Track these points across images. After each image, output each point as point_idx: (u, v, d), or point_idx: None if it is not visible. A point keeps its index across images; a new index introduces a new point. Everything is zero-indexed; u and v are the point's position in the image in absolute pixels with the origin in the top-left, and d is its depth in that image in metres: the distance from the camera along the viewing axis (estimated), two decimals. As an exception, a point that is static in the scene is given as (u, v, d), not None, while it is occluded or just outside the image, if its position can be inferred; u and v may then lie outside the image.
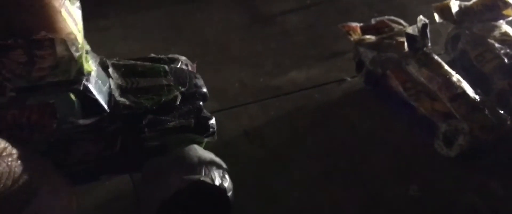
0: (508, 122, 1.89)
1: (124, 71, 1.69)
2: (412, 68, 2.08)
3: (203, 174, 1.57)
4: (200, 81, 1.77)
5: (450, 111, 1.93)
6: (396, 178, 1.88)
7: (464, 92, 1.97)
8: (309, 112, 2.18)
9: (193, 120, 1.66)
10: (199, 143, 1.69)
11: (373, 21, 2.38)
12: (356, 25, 2.33)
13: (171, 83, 1.68)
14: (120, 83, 1.64)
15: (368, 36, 2.30)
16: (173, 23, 2.62)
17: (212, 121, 1.70)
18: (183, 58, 1.86)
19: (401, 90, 2.08)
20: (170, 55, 1.86)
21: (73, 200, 1.49)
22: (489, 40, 2.24)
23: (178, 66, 1.80)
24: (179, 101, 1.65)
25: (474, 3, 2.40)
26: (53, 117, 1.49)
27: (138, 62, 1.77)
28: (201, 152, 1.65)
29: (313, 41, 2.58)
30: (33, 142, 1.49)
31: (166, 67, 1.74)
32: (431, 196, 1.81)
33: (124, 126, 1.59)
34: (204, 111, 1.71)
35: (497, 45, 2.21)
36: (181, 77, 1.73)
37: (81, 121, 1.53)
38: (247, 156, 1.91)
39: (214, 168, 1.61)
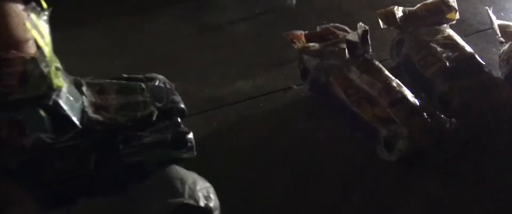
0: (447, 125, 1.90)
1: (99, 89, 1.65)
2: (353, 75, 2.08)
3: (186, 197, 1.51)
4: (177, 98, 1.74)
5: (390, 116, 1.93)
6: (338, 185, 1.86)
7: (403, 97, 1.97)
8: (254, 121, 2.15)
9: (170, 135, 1.62)
10: (178, 160, 1.65)
11: (318, 29, 2.38)
12: (300, 33, 2.32)
13: (148, 99, 1.65)
14: (94, 100, 1.60)
15: (312, 44, 2.30)
16: (118, 36, 2.59)
17: (190, 135, 1.67)
18: (160, 76, 1.83)
19: (343, 96, 2.07)
20: (147, 75, 1.82)
21: None
22: (431, 44, 2.25)
23: (156, 84, 1.76)
24: (155, 116, 1.62)
25: (418, 8, 2.42)
26: (22, 134, 1.43)
27: (114, 81, 1.73)
28: (182, 172, 1.60)
29: (261, 49, 2.57)
30: (2, 160, 1.43)
31: (143, 84, 1.71)
32: (373, 202, 1.80)
33: (98, 143, 1.55)
34: (182, 126, 1.68)
35: (439, 49, 2.23)
36: (158, 93, 1.70)
37: (52, 138, 1.47)
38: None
39: (197, 188, 1.55)
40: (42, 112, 1.45)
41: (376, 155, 1.94)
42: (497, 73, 2.26)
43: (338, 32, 2.35)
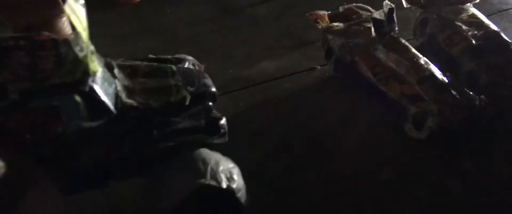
0: (477, 102, 1.89)
1: (130, 72, 1.63)
2: (380, 53, 2.08)
3: (208, 177, 1.50)
4: (208, 81, 1.71)
5: (419, 93, 1.92)
6: (368, 163, 1.86)
7: (432, 74, 1.97)
8: (279, 102, 2.15)
9: (203, 121, 1.60)
10: (209, 146, 1.63)
11: (341, 9, 2.37)
12: (323, 13, 2.32)
13: (179, 83, 1.62)
14: (126, 84, 1.58)
15: (336, 24, 2.29)
16: (140, 19, 2.59)
17: (223, 121, 1.65)
18: (190, 58, 1.82)
19: (370, 75, 2.07)
20: (177, 55, 1.82)
21: (61, 208, 1.43)
22: (456, 22, 2.24)
23: (185, 66, 1.75)
24: (188, 101, 1.59)
25: (441, -13, 2.42)
26: (58, 120, 1.43)
27: (144, 63, 1.71)
28: (205, 154, 1.59)
29: (283, 31, 2.57)
30: (38, 146, 1.43)
31: (173, 67, 1.69)
32: (403, 178, 1.80)
33: (132, 129, 1.53)
34: (214, 111, 1.66)
35: (464, 27, 2.22)
36: (190, 77, 1.68)
37: (87, 124, 1.46)
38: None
39: (220, 169, 1.54)
40: (78, 98, 1.44)
41: (405, 133, 1.94)
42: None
43: (361, 11, 2.34)
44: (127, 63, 1.69)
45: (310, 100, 2.16)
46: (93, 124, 1.48)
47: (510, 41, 2.18)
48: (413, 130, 1.91)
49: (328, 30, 2.28)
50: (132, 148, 1.54)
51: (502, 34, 2.21)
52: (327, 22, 2.31)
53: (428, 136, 1.88)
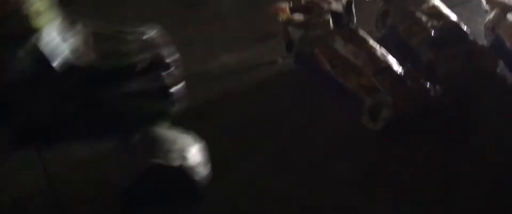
0: (432, 93, 1.90)
1: (86, 35, 1.59)
2: (338, 45, 2.07)
3: (160, 156, 1.49)
4: (168, 50, 1.68)
5: (375, 85, 1.92)
6: (324, 154, 1.85)
7: (388, 66, 1.97)
8: (239, 94, 2.13)
9: (154, 86, 1.59)
10: (164, 114, 1.63)
11: (302, 1, 2.36)
12: (285, 5, 2.30)
13: (135, 50, 1.61)
14: (79, 46, 1.55)
15: (297, 15, 2.28)
16: (99, 13, 2.53)
17: (175, 88, 1.63)
18: (155, 29, 1.75)
19: (328, 67, 2.06)
20: (142, 27, 1.75)
21: None
22: (416, 14, 2.24)
23: (148, 36, 1.70)
24: (139, 67, 1.58)
25: (403, -22, 2.41)
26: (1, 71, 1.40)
27: (103, 28, 1.68)
28: (163, 132, 1.59)
29: (246, 24, 2.53)
30: None
31: (133, 35, 1.66)
32: (357, 169, 1.80)
33: (78, 88, 1.52)
34: (168, 77, 1.64)
35: (424, 18, 2.21)
36: (147, 45, 1.65)
37: (29, 79, 1.43)
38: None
39: (175, 147, 1.53)
40: (21, 52, 1.41)
41: (362, 125, 1.94)
42: (483, 42, 2.26)
43: (322, 3, 2.33)
44: (86, 27, 1.64)
45: (269, 92, 2.15)
46: (37, 79, 1.45)
47: (468, 32, 2.20)
48: (370, 121, 1.91)
49: (289, 22, 2.26)
50: (76, 108, 1.51)
51: (462, 25, 2.22)
52: (288, 14, 2.30)
53: (383, 128, 1.88)
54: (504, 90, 2.13)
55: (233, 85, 2.18)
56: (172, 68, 1.68)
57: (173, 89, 1.64)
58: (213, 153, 1.79)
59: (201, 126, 1.93)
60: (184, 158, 1.53)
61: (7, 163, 1.74)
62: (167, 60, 1.67)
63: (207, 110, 2.04)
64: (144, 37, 1.70)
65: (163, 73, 1.65)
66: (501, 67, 2.13)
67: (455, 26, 2.19)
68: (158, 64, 1.65)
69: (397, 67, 1.95)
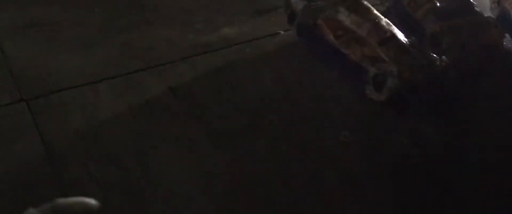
0: (437, 63, 1.86)
1: None
2: (342, 16, 2.02)
3: None
4: None
5: (379, 55, 1.88)
6: (326, 126, 1.83)
7: (393, 36, 1.92)
8: (240, 67, 2.08)
9: None
10: None
11: (305, -27, 2.31)
12: (287, -23, 2.25)
13: None
14: None
15: (299, -13, 2.23)
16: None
17: None
18: None
19: (332, 38, 2.01)
20: None
21: None
22: (421, -15, 2.21)
23: None
24: None
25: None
26: None
27: None
28: None
29: (247, -3, 2.51)
30: None
31: None
32: (362, 141, 1.77)
33: None
34: None
35: (429, -11, 2.19)
36: None
37: None
38: (171, 111, 1.83)
39: None
40: None
41: (365, 96, 1.91)
42: (489, 15, 2.22)
43: (325, -25, 2.29)
44: None
45: (271, 65, 2.09)
46: None
47: (474, 4, 2.16)
48: (374, 92, 1.88)
49: (291, -6, 2.22)
50: None
51: (467, -3, 2.18)
52: (290, -14, 2.25)
53: (388, 98, 1.84)
54: (509, 63, 2.11)
55: (235, 58, 2.13)
56: None
57: None
58: (214, 128, 1.79)
59: (202, 99, 1.93)
60: None
61: (1, 132, 1.69)
62: None
63: (208, 83, 2.00)
64: None
65: None
66: (506, 40, 2.11)
67: (461, -3, 2.16)
68: None
69: (402, 37, 1.91)
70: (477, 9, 2.10)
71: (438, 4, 2.08)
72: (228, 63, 2.11)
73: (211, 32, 2.26)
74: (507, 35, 2.10)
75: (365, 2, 2.04)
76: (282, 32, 2.26)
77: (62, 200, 1.33)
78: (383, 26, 1.94)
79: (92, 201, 1.33)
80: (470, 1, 2.12)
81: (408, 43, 1.89)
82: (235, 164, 1.69)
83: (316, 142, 1.78)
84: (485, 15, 2.13)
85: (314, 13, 2.09)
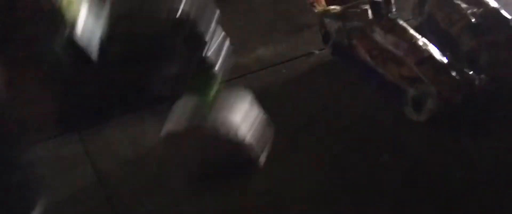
0: (477, 82, 1.86)
1: (116, 14, 1.41)
2: (378, 35, 2.04)
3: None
4: (206, 24, 1.53)
5: (417, 75, 1.89)
6: (366, 147, 1.85)
7: (430, 55, 1.93)
8: (277, 89, 2.13)
9: (196, 67, 1.48)
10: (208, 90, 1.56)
11: (338, -8, 2.33)
12: (320, -4, 2.28)
13: (170, 27, 1.42)
14: (111, 28, 1.38)
15: (333, 7, 2.25)
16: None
17: (219, 62, 1.54)
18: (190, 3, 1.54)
19: (368, 58, 2.04)
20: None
21: None
22: (455, 1, 2.19)
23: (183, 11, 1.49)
24: (178, 47, 1.44)
25: (439, -36, 2.36)
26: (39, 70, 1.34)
27: (134, 5, 1.46)
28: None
29: (280, 16, 2.51)
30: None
31: (167, 11, 1.45)
32: (402, 162, 1.78)
33: (114, 75, 1.41)
34: (209, 56, 1.50)
35: (463, 5, 2.16)
36: (183, 21, 1.44)
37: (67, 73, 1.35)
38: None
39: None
40: (57, 48, 1.33)
41: (404, 116, 1.92)
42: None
43: (358, -7, 2.31)
44: (122, 4, 1.46)
45: (308, 85, 2.13)
46: (74, 72, 1.36)
47: (510, 17, 2.14)
48: (413, 113, 1.89)
49: (325, 13, 2.23)
50: (113, 96, 1.41)
51: (502, 11, 2.16)
52: (324, 5, 2.28)
53: (428, 118, 1.86)
54: None
55: (271, 79, 2.17)
56: (214, 44, 1.54)
57: (216, 67, 1.52)
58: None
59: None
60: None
61: (56, 162, 1.77)
62: (206, 36, 1.50)
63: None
64: (179, 14, 1.47)
65: (203, 52, 1.49)
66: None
67: (496, 12, 2.13)
68: (196, 42, 1.49)
69: (440, 57, 1.92)
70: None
71: (473, 20, 2.08)
72: (265, 86, 2.14)
73: (247, 53, 2.31)
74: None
75: (401, 22, 2.05)
76: (317, 51, 2.29)
77: None
78: (420, 45, 1.94)
79: None
80: (506, 16, 2.10)
81: (446, 62, 1.90)
82: (275, 186, 1.74)
83: (356, 163, 1.81)
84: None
85: (349, 33, 2.13)
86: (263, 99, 2.11)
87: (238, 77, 2.17)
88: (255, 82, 2.16)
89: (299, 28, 2.44)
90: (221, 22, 1.95)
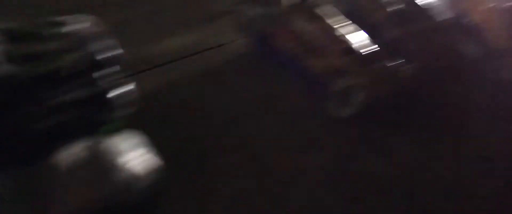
0: (399, 74, 1.79)
1: (14, 35, 1.33)
2: (298, 24, 1.86)
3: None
4: (106, 43, 1.41)
5: (341, 67, 1.75)
6: (288, 146, 1.68)
7: (353, 46, 1.79)
8: (186, 84, 1.90)
9: (87, 94, 1.33)
10: (103, 124, 1.37)
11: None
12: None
13: (59, 47, 1.34)
14: (8, 49, 1.28)
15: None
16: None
17: (117, 90, 1.37)
18: (91, 18, 1.49)
19: (288, 49, 1.88)
20: (74, 16, 1.49)
21: None
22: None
23: (79, 27, 1.43)
24: (65, 72, 1.31)
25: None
26: None
27: (15, 23, 1.39)
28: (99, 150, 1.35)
29: (189, 2, 2.32)
30: None
31: (55, 28, 1.39)
32: (327, 160, 1.64)
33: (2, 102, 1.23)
34: (105, 80, 1.36)
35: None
36: (74, 40, 1.37)
37: None
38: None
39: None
40: None
41: (327, 112, 1.78)
42: (443, 17, 2.20)
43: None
44: (13, 25, 1.36)
45: (220, 81, 1.93)
46: None
47: (428, 7, 2.12)
48: (337, 108, 1.76)
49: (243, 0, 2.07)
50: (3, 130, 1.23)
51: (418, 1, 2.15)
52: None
53: (353, 113, 1.73)
54: (470, 66, 2.09)
55: (178, 73, 1.94)
56: (111, 68, 1.38)
57: (112, 94, 1.36)
58: (160, 153, 1.62)
59: (146, 124, 1.74)
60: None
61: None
62: (102, 58, 1.37)
63: (150, 105, 1.77)
64: (70, 30, 1.40)
65: (98, 76, 1.35)
66: (463, 41, 2.10)
67: (412, 1, 2.11)
68: (90, 65, 1.35)
69: (363, 47, 1.78)
70: (432, 13, 2.06)
71: (392, 10, 2.02)
72: (173, 81, 1.91)
73: (152, 45, 2.07)
74: (463, 36, 2.10)
75: (322, 10, 1.92)
76: (230, 42, 2.12)
77: None
78: (342, 35, 1.79)
79: None
80: (423, 6, 2.08)
81: (369, 53, 1.78)
82: (195, 183, 1.54)
83: (277, 163, 1.64)
84: (441, 18, 2.11)
85: (268, 22, 1.95)
86: (168, 95, 1.88)
87: (144, 70, 1.95)
88: (160, 75, 1.92)
89: (210, 16, 2.25)
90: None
